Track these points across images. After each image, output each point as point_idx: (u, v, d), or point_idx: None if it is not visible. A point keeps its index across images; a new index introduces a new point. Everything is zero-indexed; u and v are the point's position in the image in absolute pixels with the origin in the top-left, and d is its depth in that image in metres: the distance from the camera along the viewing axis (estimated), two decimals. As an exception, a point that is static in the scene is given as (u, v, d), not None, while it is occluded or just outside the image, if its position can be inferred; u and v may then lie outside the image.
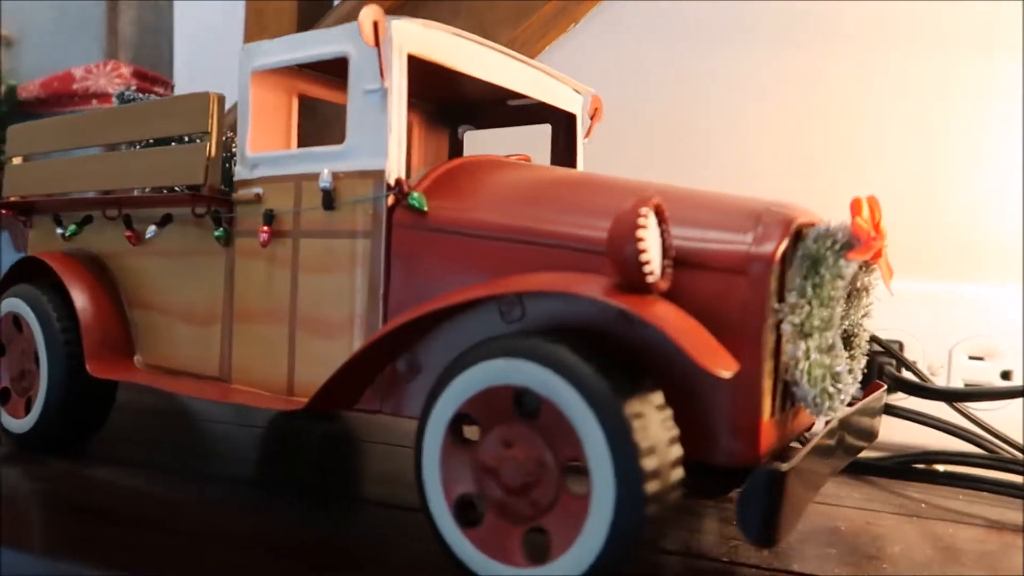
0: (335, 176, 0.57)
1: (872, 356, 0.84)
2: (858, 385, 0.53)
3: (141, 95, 0.92)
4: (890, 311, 0.85)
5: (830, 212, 0.49)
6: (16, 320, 0.76)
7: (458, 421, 0.47)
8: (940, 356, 0.86)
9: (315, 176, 0.57)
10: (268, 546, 0.54)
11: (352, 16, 0.53)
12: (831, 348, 0.46)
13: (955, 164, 0.89)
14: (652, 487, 0.40)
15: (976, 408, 0.81)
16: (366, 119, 0.56)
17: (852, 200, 0.47)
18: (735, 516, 0.41)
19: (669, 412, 0.43)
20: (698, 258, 0.46)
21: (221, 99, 0.64)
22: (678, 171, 0.97)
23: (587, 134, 0.77)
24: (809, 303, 0.45)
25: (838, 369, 0.47)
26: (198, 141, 0.67)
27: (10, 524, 0.54)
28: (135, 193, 0.73)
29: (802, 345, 0.45)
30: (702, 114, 1.00)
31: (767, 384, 0.45)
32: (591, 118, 0.77)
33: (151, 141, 0.73)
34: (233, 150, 0.67)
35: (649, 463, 0.40)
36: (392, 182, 0.55)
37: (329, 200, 0.57)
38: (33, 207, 0.82)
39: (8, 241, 1.22)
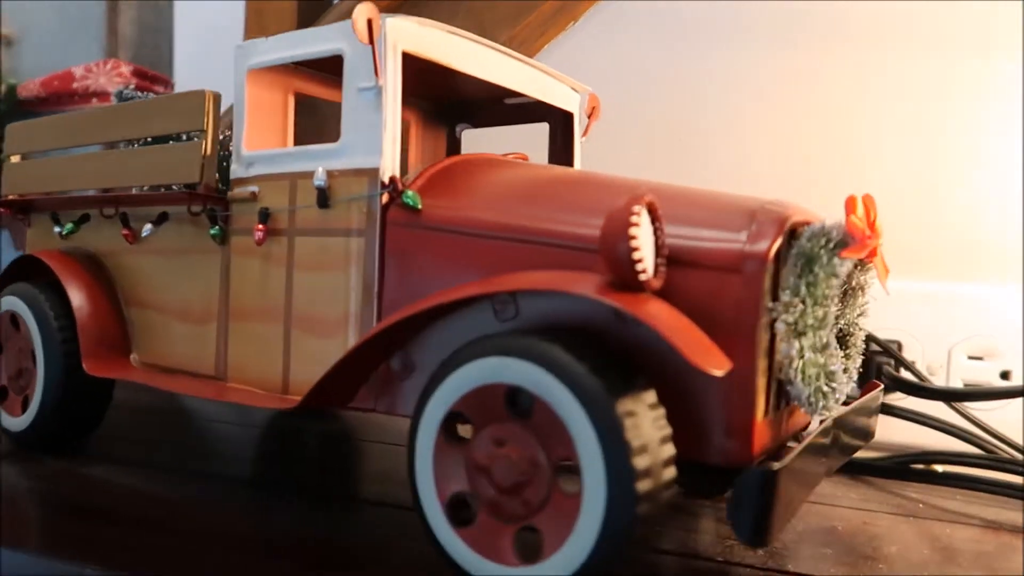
0: (330, 174, 0.56)
1: (870, 356, 0.84)
2: (854, 384, 0.53)
3: (140, 94, 0.92)
4: (889, 311, 0.85)
5: (828, 212, 0.49)
6: (13, 318, 0.76)
7: (451, 420, 0.46)
8: (939, 356, 0.86)
9: (310, 174, 0.57)
10: (267, 546, 0.54)
11: (350, 15, 0.53)
12: (825, 347, 0.46)
13: (953, 164, 0.89)
14: (644, 486, 0.40)
15: (975, 408, 0.81)
16: (360, 117, 0.56)
17: (847, 198, 0.46)
18: (727, 516, 0.41)
19: (662, 411, 0.43)
20: (692, 256, 0.46)
21: (217, 97, 0.64)
22: (676, 170, 0.96)
23: (584, 133, 0.77)
24: (803, 302, 0.45)
25: (832, 368, 0.47)
26: (195, 139, 0.67)
27: (8, 523, 0.54)
28: (133, 191, 0.74)
29: (796, 344, 0.45)
30: (700, 113, 1.00)
31: (761, 383, 0.45)
32: (588, 117, 0.77)
33: (149, 139, 0.73)
34: (231, 148, 0.67)
35: (641, 462, 0.40)
36: (386, 180, 0.55)
37: (324, 198, 0.57)
38: (31, 205, 0.82)
39: (9, 240, 1.22)
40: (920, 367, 0.85)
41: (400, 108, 0.56)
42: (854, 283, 0.51)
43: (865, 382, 0.63)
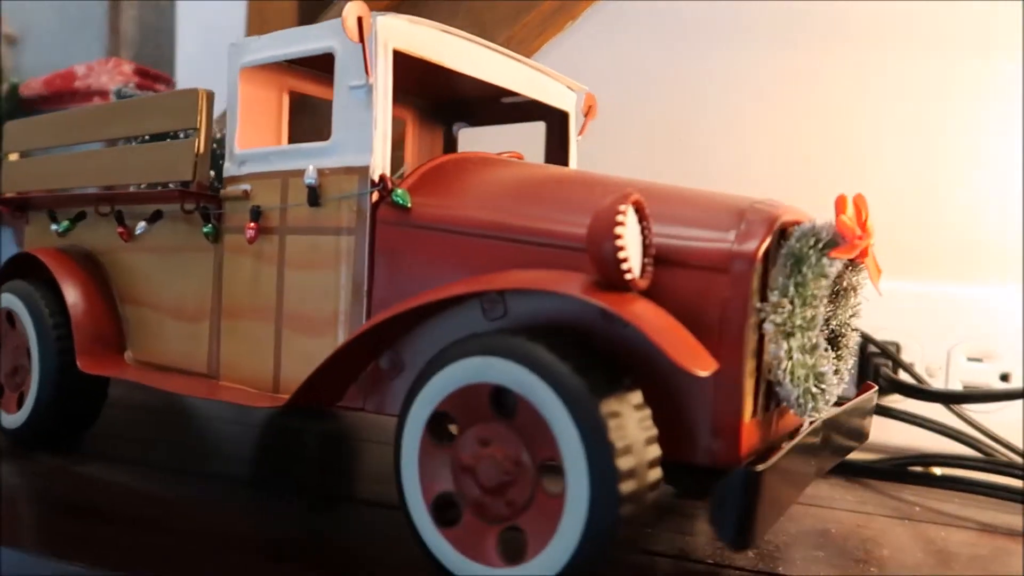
0: (320, 172, 0.56)
1: (869, 357, 0.83)
2: (846, 385, 0.52)
3: (139, 92, 0.92)
4: (888, 312, 0.84)
5: (828, 212, 0.48)
6: (10, 316, 0.76)
7: (437, 420, 0.46)
8: (938, 358, 0.85)
9: (301, 172, 0.57)
10: (265, 545, 0.54)
11: (344, 14, 0.53)
12: (814, 348, 0.46)
13: (953, 164, 0.89)
14: (627, 487, 0.40)
15: (974, 410, 0.80)
16: (351, 115, 0.56)
17: (837, 198, 0.46)
18: (710, 517, 0.40)
19: (647, 412, 0.42)
20: (679, 255, 0.46)
21: (210, 96, 0.64)
22: (676, 171, 0.96)
23: (581, 131, 0.77)
24: (791, 302, 0.44)
25: (822, 369, 0.46)
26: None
27: (3, 521, 0.54)
28: (131, 189, 0.74)
29: (784, 345, 0.44)
30: (699, 113, 0.99)
31: (749, 384, 0.45)
32: (585, 116, 0.76)
33: (147, 138, 0.73)
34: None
35: (624, 463, 0.40)
36: (376, 178, 0.54)
37: (314, 196, 0.57)
38: (28, 203, 0.82)
39: (11, 237, 1.22)
40: (919, 369, 0.84)
41: (391, 106, 0.56)
42: (845, 284, 0.51)
43: (863, 384, 0.63)
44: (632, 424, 0.41)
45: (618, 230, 0.42)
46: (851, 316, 0.53)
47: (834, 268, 0.45)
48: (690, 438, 0.45)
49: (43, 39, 1.29)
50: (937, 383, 0.84)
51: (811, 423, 0.49)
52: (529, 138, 0.78)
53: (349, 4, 0.53)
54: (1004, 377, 0.83)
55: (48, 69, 1.24)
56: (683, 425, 0.45)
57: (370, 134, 0.55)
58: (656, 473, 0.42)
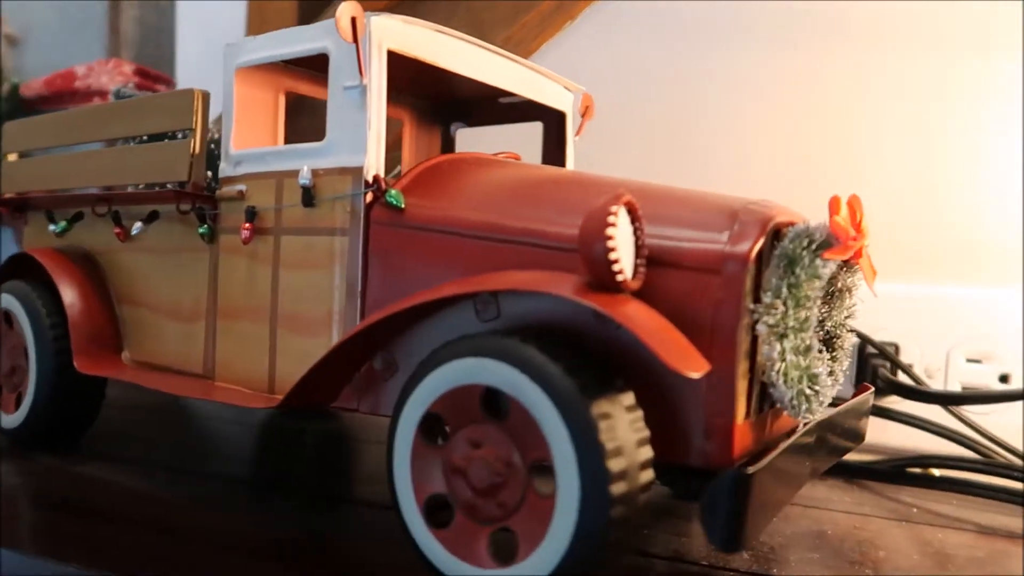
0: (315, 173, 0.56)
1: (867, 358, 0.83)
2: (840, 386, 0.52)
3: (138, 93, 0.92)
4: (887, 313, 0.84)
5: (827, 213, 0.48)
6: (7, 316, 0.76)
7: (429, 421, 0.46)
8: (937, 359, 0.85)
9: (296, 173, 0.57)
10: (263, 546, 0.53)
11: (342, 14, 0.53)
12: (808, 349, 0.46)
13: (953, 165, 0.88)
14: (618, 488, 0.40)
15: (974, 412, 0.80)
16: (345, 116, 0.55)
17: (830, 199, 0.46)
18: (700, 520, 0.40)
19: (639, 413, 0.42)
20: (672, 257, 0.45)
21: (206, 96, 0.64)
22: (675, 171, 0.96)
23: (578, 132, 0.77)
24: (784, 304, 0.44)
25: (816, 371, 0.46)
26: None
27: (5, 523, 0.54)
28: (129, 190, 0.74)
29: (777, 346, 0.44)
30: (699, 114, 0.99)
31: (742, 385, 0.45)
32: (582, 116, 0.76)
33: (145, 138, 0.73)
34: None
35: (615, 464, 0.40)
36: (370, 179, 0.54)
37: (309, 197, 0.57)
38: (26, 203, 0.82)
39: (11, 237, 1.23)
40: (918, 370, 0.84)
41: (385, 107, 0.55)
42: (840, 285, 0.50)
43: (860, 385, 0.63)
44: (623, 425, 0.41)
45: (609, 231, 0.42)
46: (846, 317, 0.53)
47: (827, 269, 0.45)
48: (683, 439, 0.45)
49: (44, 39, 1.29)
50: (936, 384, 0.84)
51: (805, 424, 0.49)
52: (528, 138, 0.78)
53: (343, 4, 0.53)
54: (1003, 378, 0.83)
55: (49, 69, 1.24)
56: (676, 426, 0.45)
57: (364, 135, 0.55)
58: (648, 475, 0.42)
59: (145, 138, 0.73)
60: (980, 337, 0.84)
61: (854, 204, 0.47)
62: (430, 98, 0.80)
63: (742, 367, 0.44)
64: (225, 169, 0.63)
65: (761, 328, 0.44)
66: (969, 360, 0.84)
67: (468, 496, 0.45)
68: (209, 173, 0.66)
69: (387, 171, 0.56)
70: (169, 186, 0.66)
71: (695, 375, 0.40)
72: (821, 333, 0.51)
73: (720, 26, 0.99)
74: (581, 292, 0.42)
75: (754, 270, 0.45)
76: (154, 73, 1.25)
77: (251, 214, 0.60)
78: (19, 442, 0.74)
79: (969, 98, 0.88)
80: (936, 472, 0.77)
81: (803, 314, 0.45)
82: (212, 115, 0.65)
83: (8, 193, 0.82)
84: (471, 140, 0.82)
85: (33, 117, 0.84)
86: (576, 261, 0.46)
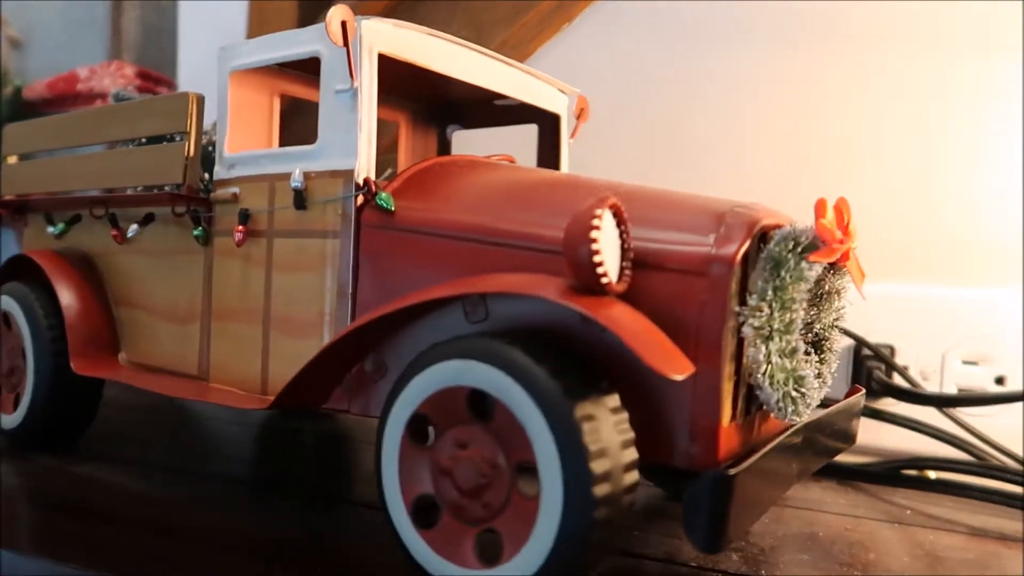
0: (306, 176, 0.57)
1: (862, 360, 0.83)
2: (829, 388, 0.52)
3: (138, 95, 0.93)
4: (882, 315, 0.84)
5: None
6: (6, 317, 0.77)
7: (416, 422, 0.46)
8: (933, 361, 0.85)
9: (288, 176, 0.57)
10: (263, 546, 0.54)
11: (338, 17, 0.53)
12: (794, 352, 0.46)
13: (952, 165, 0.88)
14: (602, 490, 0.40)
15: (969, 414, 0.80)
16: (337, 119, 0.56)
17: (816, 201, 0.46)
18: (682, 522, 0.40)
19: (624, 415, 0.42)
20: (658, 259, 0.46)
21: (200, 99, 0.65)
22: (675, 171, 0.96)
23: (572, 134, 0.77)
24: (770, 306, 0.44)
25: (802, 373, 0.46)
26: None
27: (4, 523, 0.55)
28: (128, 192, 0.74)
29: (763, 348, 0.44)
30: (698, 114, 0.99)
31: (727, 387, 0.45)
32: (577, 118, 0.76)
33: (143, 141, 0.74)
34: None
35: (599, 466, 0.40)
36: (361, 182, 0.55)
37: (300, 200, 0.57)
38: (25, 205, 0.83)
39: (12, 239, 1.24)
40: (914, 372, 0.84)
41: (375, 110, 0.56)
42: (828, 288, 0.50)
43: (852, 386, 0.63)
44: (607, 427, 0.41)
45: (594, 234, 0.42)
46: (835, 320, 0.53)
47: (813, 272, 0.45)
48: (668, 441, 0.45)
49: (46, 41, 1.30)
50: (931, 386, 0.84)
51: (790, 426, 0.49)
52: (525, 140, 0.78)
53: (333, 8, 0.53)
54: (999, 380, 0.82)
55: (51, 71, 1.25)
56: (661, 428, 0.45)
57: (355, 138, 0.55)
58: (632, 476, 0.42)
59: (144, 141, 0.74)
60: (977, 339, 0.84)
61: (842, 207, 0.47)
62: (425, 101, 0.81)
63: (728, 369, 0.44)
64: (219, 172, 0.63)
65: (747, 330, 0.44)
66: (965, 362, 0.84)
67: (454, 497, 0.45)
68: (206, 175, 0.67)
69: (378, 173, 0.57)
70: (165, 188, 0.67)
71: (679, 377, 0.40)
72: (809, 336, 0.51)
73: (720, 26, 0.98)
74: (566, 295, 0.43)
75: (740, 273, 0.45)
76: (156, 75, 1.26)
77: (244, 217, 0.60)
78: (17, 442, 0.75)
79: (969, 98, 0.87)
80: (932, 475, 0.77)
81: (788, 316, 0.45)
82: (209, 118, 0.66)
83: (8, 195, 0.83)
84: (465, 143, 0.83)
85: (32, 120, 0.84)
86: (563, 264, 0.46)
